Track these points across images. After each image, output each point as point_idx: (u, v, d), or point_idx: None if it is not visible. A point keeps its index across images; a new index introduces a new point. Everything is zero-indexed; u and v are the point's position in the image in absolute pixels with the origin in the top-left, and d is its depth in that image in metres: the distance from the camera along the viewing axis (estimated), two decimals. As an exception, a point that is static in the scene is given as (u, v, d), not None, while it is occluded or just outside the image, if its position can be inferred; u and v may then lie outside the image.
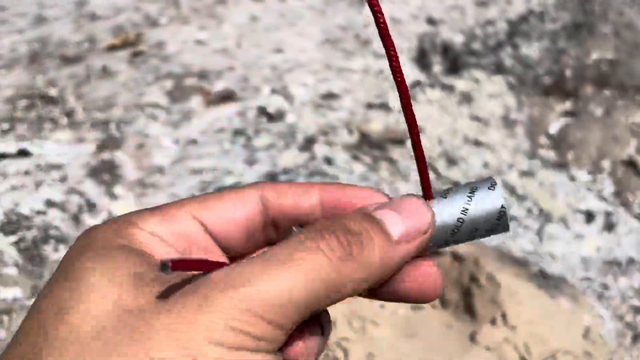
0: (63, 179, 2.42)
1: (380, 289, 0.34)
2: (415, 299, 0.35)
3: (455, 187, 0.38)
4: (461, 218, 0.36)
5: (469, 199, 0.37)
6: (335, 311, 1.64)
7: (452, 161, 2.39)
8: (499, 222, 0.36)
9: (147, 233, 0.31)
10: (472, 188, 0.37)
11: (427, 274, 0.34)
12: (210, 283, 0.26)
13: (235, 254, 0.34)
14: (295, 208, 0.34)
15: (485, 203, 0.37)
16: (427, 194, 0.38)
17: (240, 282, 0.25)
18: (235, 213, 0.32)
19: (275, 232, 0.36)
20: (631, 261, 2.04)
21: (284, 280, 0.26)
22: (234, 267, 0.27)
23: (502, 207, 0.36)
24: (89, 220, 2.23)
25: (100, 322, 0.25)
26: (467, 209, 0.36)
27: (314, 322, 0.30)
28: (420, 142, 0.38)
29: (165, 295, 0.26)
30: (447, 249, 1.87)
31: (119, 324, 0.25)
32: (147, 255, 0.29)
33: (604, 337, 1.69)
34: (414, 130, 0.38)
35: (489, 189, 0.37)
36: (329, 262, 0.27)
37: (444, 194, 0.38)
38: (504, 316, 1.59)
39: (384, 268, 0.31)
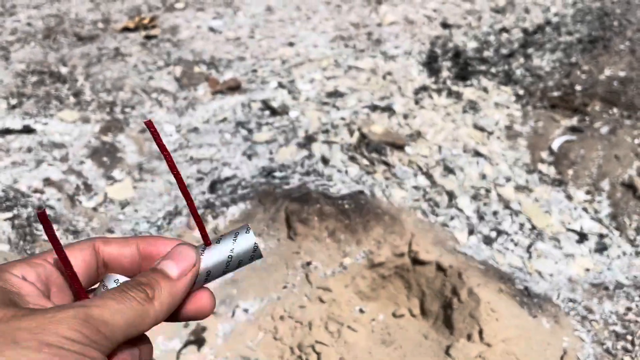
0: (64, 159, 2.45)
1: (176, 313, 0.47)
2: (196, 316, 0.49)
3: (223, 235, 0.51)
4: (230, 255, 0.49)
5: (234, 242, 0.50)
6: (311, 313, 1.64)
7: (449, 170, 2.39)
8: (254, 253, 0.50)
9: (17, 277, 0.42)
10: (235, 234, 0.50)
11: (203, 297, 0.48)
12: (67, 304, 0.39)
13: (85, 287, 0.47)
14: (119, 254, 0.48)
15: (244, 243, 0.50)
16: (206, 241, 0.50)
17: (89, 305, 0.38)
18: (77, 259, 0.45)
19: (107, 271, 0.49)
20: (619, 286, 2.03)
21: (113, 310, 0.39)
22: (88, 299, 0.41)
23: (255, 244, 0.50)
24: (85, 203, 2.26)
25: None
26: (233, 249, 0.49)
27: (134, 343, 0.42)
28: (193, 203, 0.52)
29: (31, 312, 0.37)
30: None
31: None
32: (17, 293, 0.41)
33: (581, 361, 1.69)
34: (186, 197, 0.51)
35: (246, 232, 0.50)
36: (137, 304, 0.41)
37: (217, 240, 0.50)
38: (480, 332, 1.59)
39: (173, 299, 0.44)
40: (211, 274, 0.50)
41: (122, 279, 0.45)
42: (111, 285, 0.45)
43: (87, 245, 0.47)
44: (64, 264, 0.43)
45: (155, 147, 2.61)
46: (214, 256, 0.50)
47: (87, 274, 0.46)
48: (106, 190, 2.31)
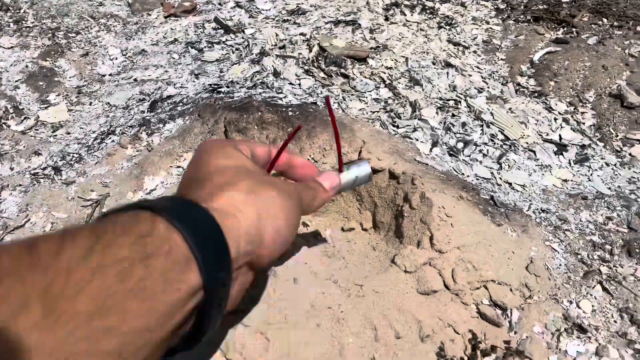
0: (-4, 84, 2.24)
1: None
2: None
3: (352, 163, 1.01)
4: (356, 177, 1.00)
5: (357, 167, 1.01)
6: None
7: (415, 81, 2.16)
8: (369, 178, 1.04)
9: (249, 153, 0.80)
10: (358, 164, 1.01)
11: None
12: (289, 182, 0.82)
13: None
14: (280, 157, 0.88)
15: (364, 170, 1.03)
16: (340, 168, 1.00)
17: (297, 186, 0.83)
18: (265, 152, 0.85)
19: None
20: (600, 196, 1.82)
21: (307, 193, 0.84)
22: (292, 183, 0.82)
23: (370, 172, 1.03)
24: (14, 127, 2.06)
25: (241, 163, 0.72)
26: (357, 175, 1.00)
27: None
28: (338, 137, 0.98)
29: (276, 178, 0.77)
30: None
31: (252, 167, 0.72)
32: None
33: (551, 271, 1.49)
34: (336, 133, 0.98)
35: (364, 164, 1.04)
36: (314, 194, 0.84)
37: (347, 167, 1.00)
38: (431, 238, 1.40)
39: (323, 202, 0.87)
40: (343, 188, 1.00)
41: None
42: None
43: (266, 146, 0.85)
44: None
45: (97, 71, 2.39)
46: (345, 177, 1.00)
47: (264, 165, 0.87)
48: (38, 114, 2.11)
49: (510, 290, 1.40)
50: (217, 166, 0.72)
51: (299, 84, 2.05)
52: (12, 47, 2.49)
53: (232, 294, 0.64)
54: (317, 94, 2.00)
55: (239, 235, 0.60)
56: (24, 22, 2.69)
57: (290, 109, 1.76)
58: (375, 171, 1.65)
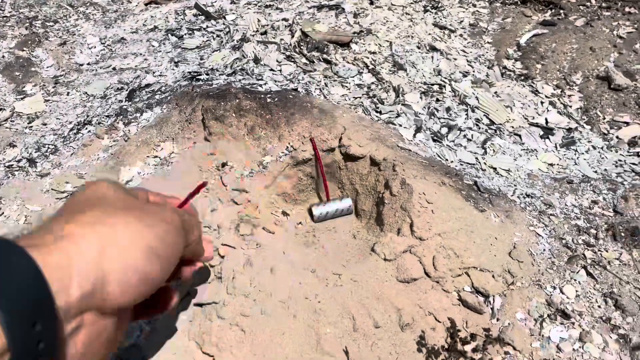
0: (-29, 75, 2.19)
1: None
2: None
3: (337, 197, 1.56)
4: (337, 208, 1.52)
5: (340, 201, 1.54)
6: (221, 217, 1.42)
7: (399, 66, 2.12)
8: (351, 211, 1.55)
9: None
10: (341, 198, 1.55)
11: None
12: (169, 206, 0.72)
13: None
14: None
15: (346, 203, 1.54)
16: (327, 198, 1.54)
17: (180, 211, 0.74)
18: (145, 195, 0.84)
19: None
20: (586, 180, 1.79)
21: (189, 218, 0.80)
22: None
23: (350, 205, 1.54)
24: (-11, 118, 2.02)
25: (117, 194, 0.63)
26: (339, 206, 1.53)
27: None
28: (322, 167, 1.52)
29: (151, 203, 0.75)
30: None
31: (127, 197, 0.64)
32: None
33: (534, 257, 1.46)
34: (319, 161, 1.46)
35: (346, 197, 1.57)
36: (195, 220, 0.87)
37: (333, 199, 1.54)
38: (411, 225, 1.36)
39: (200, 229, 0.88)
40: (327, 215, 1.50)
41: None
42: None
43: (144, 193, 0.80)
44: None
45: (75, 60, 2.34)
46: (329, 207, 1.52)
47: None
48: (14, 105, 2.06)
49: (493, 276, 1.37)
50: (75, 200, 0.62)
51: (280, 70, 2.01)
52: (-12, 37, 2.44)
53: (77, 347, 0.51)
54: (299, 80, 1.96)
55: (69, 276, 0.49)
56: (1, 11, 2.63)
57: (269, 95, 1.72)
58: (355, 158, 1.62)
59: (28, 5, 2.68)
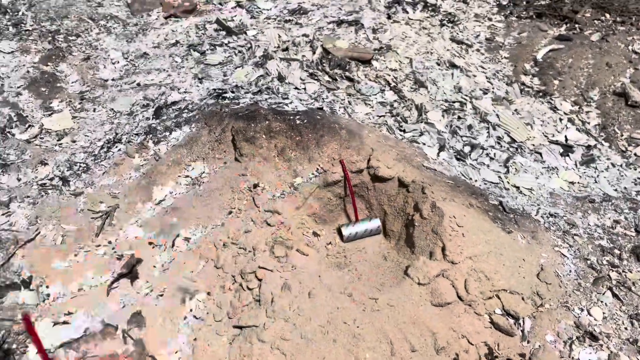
0: (-2, 91, 2.22)
1: None
2: None
3: (365, 218, 1.77)
4: (367, 229, 1.70)
5: (369, 221, 1.73)
6: (256, 238, 1.45)
7: (420, 83, 2.15)
8: (379, 231, 1.73)
9: None
10: (370, 218, 1.74)
11: None
12: None
13: None
14: None
15: (375, 224, 1.70)
16: (356, 218, 1.72)
17: None
18: None
19: None
20: (607, 198, 1.83)
21: None
22: None
23: (379, 226, 1.73)
24: (19, 135, 2.05)
25: None
26: (368, 227, 1.72)
27: None
28: (352, 188, 1.65)
29: None
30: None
31: None
32: None
33: (561, 278, 1.50)
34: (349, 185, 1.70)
35: (375, 218, 1.73)
36: None
37: (362, 220, 1.73)
38: (443, 249, 1.40)
39: None
40: (357, 236, 1.64)
41: None
42: None
43: None
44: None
45: (99, 75, 2.38)
46: (358, 227, 1.66)
47: None
48: (42, 122, 2.10)
49: (522, 299, 1.41)
50: None
51: (304, 89, 2.04)
52: (12, 51, 2.47)
53: None
54: (323, 99, 2.00)
55: None
56: (22, 25, 2.67)
57: (298, 117, 1.75)
58: (384, 179, 1.65)
59: (49, 18, 2.71)
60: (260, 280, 1.38)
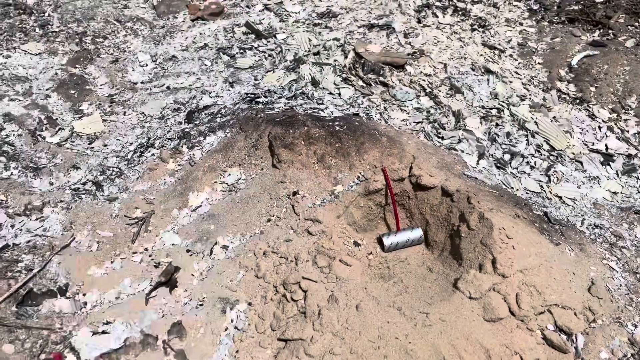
0: (27, 93, 2.20)
1: None
2: None
3: (407, 227, 1.73)
4: (409, 238, 1.66)
5: (411, 231, 1.70)
6: (298, 248, 1.41)
7: (456, 89, 2.11)
8: (421, 241, 1.69)
9: None
10: (412, 228, 1.70)
11: None
12: None
13: None
14: None
15: (416, 234, 1.66)
16: (398, 228, 1.67)
17: None
18: None
19: None
20: (651, 209, 1.78)
21: None
22: None
23: (421, 235, 1.69)
24: (49, 138, 2.03)
25: None
26: (410, 236, 1.67)
27: None
28: (393, 197, 1.62)
29: None
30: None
31: None
32: None
33: (612, 293, 1.46)
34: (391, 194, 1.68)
35: (417, 228, 1.68)
36: None
37: (403, 229, 1.68)
38: (494, 262, 1.36)
39: None
40: (398, 245, 1.61)
41: None
42: None
43: None
44: None
45: (128, 78, 2.35)
46: (400, 237, 1.61)
47: None
48: (73, 125, 2.07)
49: (575, 314, 1.36)
50: None
51: (339, 94, 2.01)
52: (39, 53, 2.45)
53: None
54: (359, 104, 1.97)
55: None
56: (49, 26, 2.65)
57: (337, 123, 1.72)
58: (427, 188, 1.61)
59: (76, 20, 2.69)
60: (305, 291, 1.34)
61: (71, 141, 2.00)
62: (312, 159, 1.65)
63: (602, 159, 1.96)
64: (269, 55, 2.34)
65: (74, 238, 1.61)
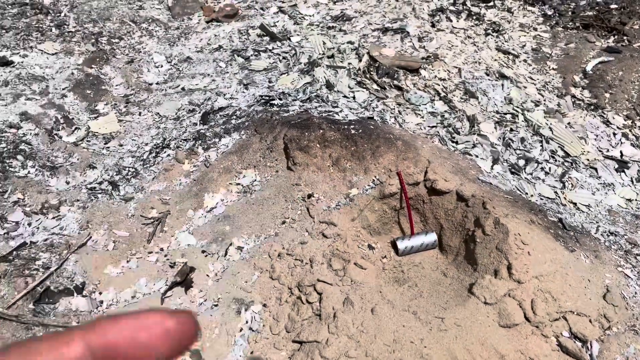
0: (44, 92, 2.22)
1: None
2: None
3: (421, 232, 1.68)
4: (423, 243, 1.62)
5: (425, 235, 1.66)
6: (313, 250, 1.42)
7: (471, 94, 2.12)
8: (434, 244, 1.64)
9: None
10: (426, 232, 1.66)
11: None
12: None
13: None
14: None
15: (431, 238, 1.63)
16: (412, 232, 1.64)
17: None
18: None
19: None
20: (666, 217, 1.77)
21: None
22: None
23: (435, 240, 1.65)
24: (66, 137, 2.05)
25: None
26: (424, 240, 1.64)
27: None
28: (408, 201, 1.60)
29: None
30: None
31: None
32: None
33: (627, 300, 1.45)
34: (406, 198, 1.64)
35: (432, 232, 1.65)
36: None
37: (417, 234, 1.65)
38: (509, 268, 1.36)
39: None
40: (412, 250, 1.58)
41: None
42: None
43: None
44: None
45: (144, 79, 2.37)
46: (414, 241, 1.60)
47: None
48: (89, 125, 2.09)
49: (590, 321, 1.36)
50: None
51: (354, 97, 2.02)
52: (56, 53, 2.47)
53: None
54: (373, 108, 1.97)
55: None
56: (65, 26, 2.67)
57: (352, 126, 1.72)
58: (441, 192, 1.62)
59: (92, 20, 2.72)
60: (320, 294, 1.35)
61: (87, 141, 2.02)
62: (327, 162, 1.66)
63: (616, 166, 1.96)
64: (284, 58, 2.36)
65: (91, 237, 1.62)
